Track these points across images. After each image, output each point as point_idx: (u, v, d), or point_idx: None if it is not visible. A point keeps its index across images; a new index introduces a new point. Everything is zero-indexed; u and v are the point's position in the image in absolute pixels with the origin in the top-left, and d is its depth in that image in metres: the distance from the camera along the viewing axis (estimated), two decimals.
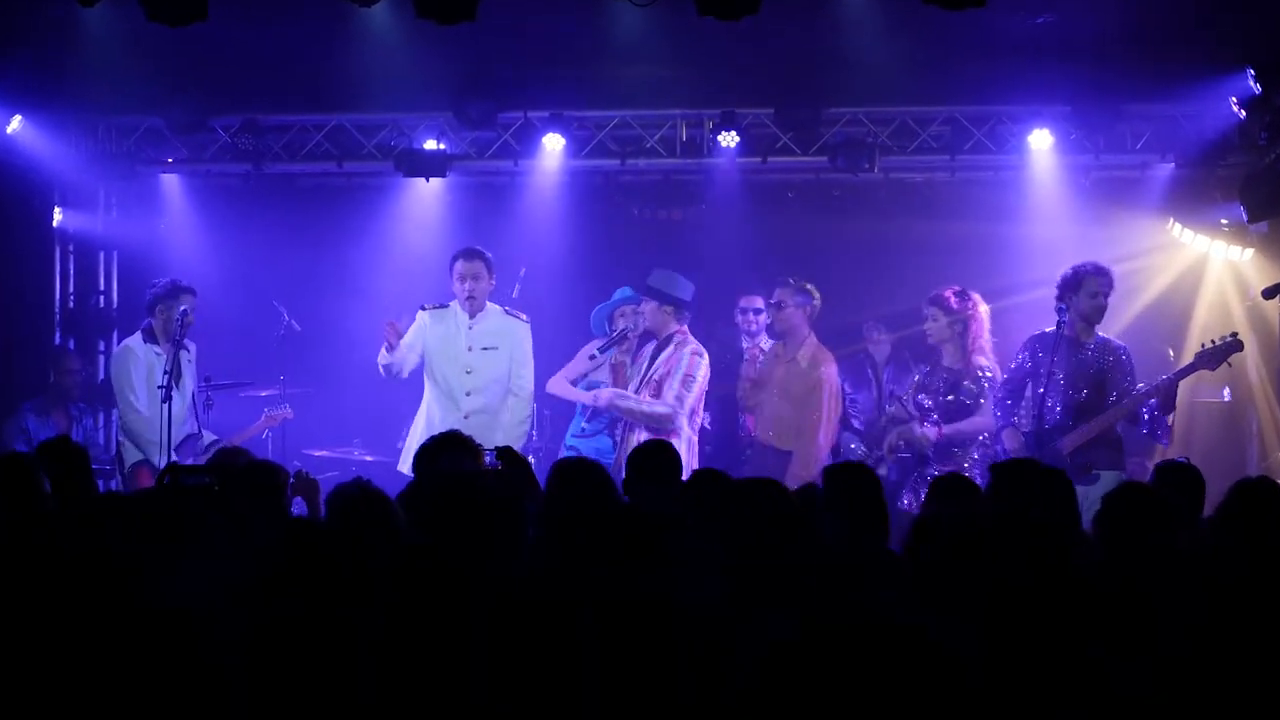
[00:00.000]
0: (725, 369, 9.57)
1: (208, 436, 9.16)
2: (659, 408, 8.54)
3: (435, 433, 8.43)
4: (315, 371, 10.36)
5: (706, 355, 8.73)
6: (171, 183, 10.84)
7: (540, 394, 9.16)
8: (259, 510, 4.97)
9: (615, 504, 5.13)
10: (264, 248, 10.67)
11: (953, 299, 8.48)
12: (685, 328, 8.76)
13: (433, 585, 3.52)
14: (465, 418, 8.50)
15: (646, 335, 8.94)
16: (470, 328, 8.77)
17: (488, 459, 5.92)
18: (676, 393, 8.50)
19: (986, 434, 8.26)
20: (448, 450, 5.72)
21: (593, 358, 8.95)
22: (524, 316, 8.90)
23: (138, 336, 9.12)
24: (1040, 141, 10.09)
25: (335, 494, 4.59)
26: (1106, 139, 10.20)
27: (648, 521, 3.98)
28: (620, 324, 9.09)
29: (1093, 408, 7.84)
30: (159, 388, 8.60)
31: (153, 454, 8.58)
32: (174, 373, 8.63)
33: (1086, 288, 7.92)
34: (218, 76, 9.89)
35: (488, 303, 8.85)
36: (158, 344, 8.95)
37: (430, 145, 10.26)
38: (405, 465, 8.40)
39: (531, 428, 9.28)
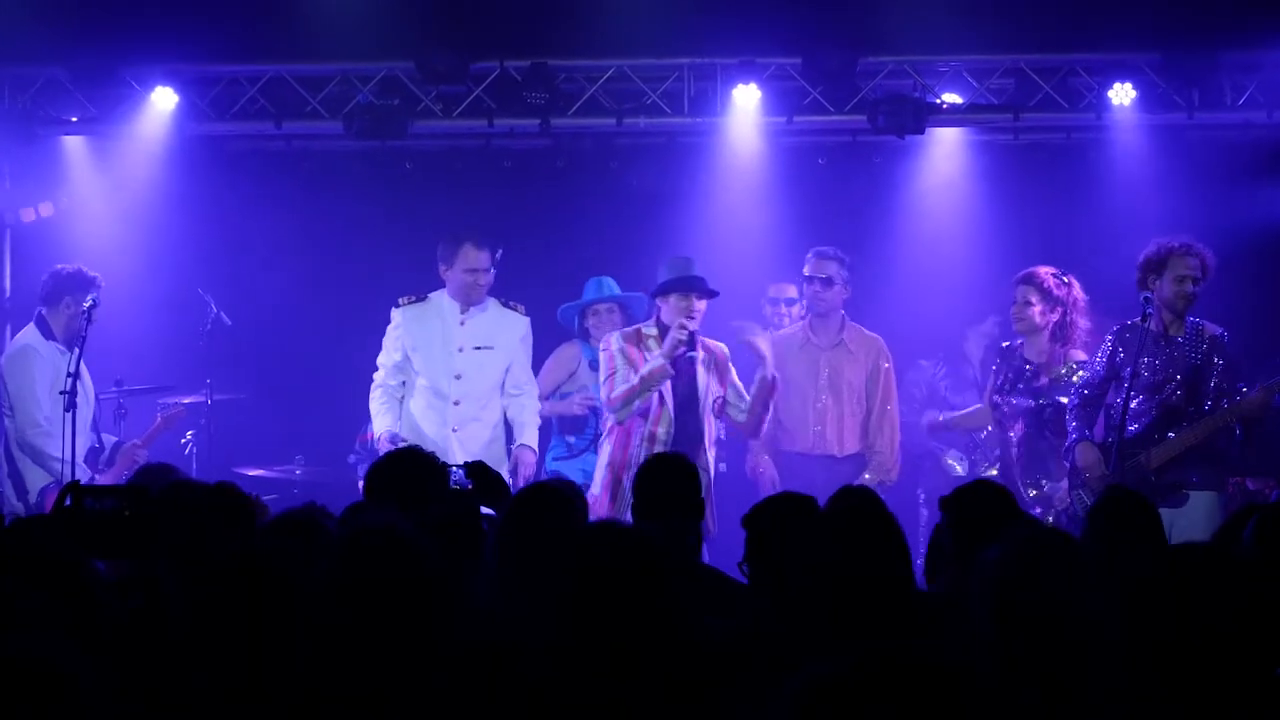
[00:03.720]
0: (750, 369, 8.78)
1: (109, 442, 8.79)
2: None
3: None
4: (250, 374, 9.78)
5: None
6: (76, 146, 10.10)
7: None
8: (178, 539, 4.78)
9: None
10: (187, 225, 10.05)
11: (1051, 281, 8.01)
12: None
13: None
14: (454, 431, 8.19)
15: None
16: (461, 324, 8.34)
17: (455, 476, 5.63)
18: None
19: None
20: (404, 472, 5.39)
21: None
22: (521, 309, 8.52)
23: (34, 332, 8.65)
24: (1122, 96, 9.47)
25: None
26: (1201, 93, 9.61)
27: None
28: (590, 323, 8.78)
29: (1185, 413, 7.35)
30: (61, 393, 8.13)
31: (64, 473, 8.08)
32: (78, 375, 8.18)
33: (1172, 269, 7.37)
34: (130, 18, 9.28)
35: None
36: (57, 341, 8.56)
37: (387, 102, 9.65)
38: None
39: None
